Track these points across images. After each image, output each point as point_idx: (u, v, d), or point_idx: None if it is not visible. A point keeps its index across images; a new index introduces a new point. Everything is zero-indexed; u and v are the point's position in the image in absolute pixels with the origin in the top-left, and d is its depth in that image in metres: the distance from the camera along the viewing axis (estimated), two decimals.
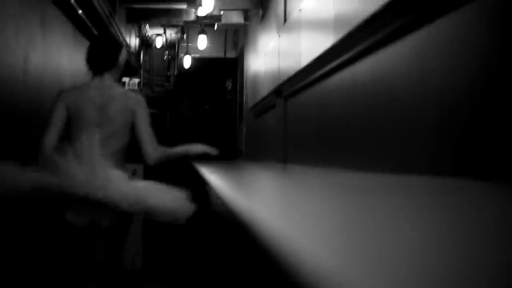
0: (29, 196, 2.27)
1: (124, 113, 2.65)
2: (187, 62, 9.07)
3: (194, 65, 9.41)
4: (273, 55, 4.84)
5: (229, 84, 9.34)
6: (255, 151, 6.48)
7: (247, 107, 7.19)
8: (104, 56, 2.74)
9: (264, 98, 5.32)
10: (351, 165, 2.82)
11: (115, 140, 2.63)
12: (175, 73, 10.02)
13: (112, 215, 2.46)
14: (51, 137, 2.58)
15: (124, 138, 2.70)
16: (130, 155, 2.82)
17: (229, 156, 8.64)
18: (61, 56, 4.85)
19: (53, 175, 2.29)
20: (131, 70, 8.20)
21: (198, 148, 2.90)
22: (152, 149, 2.70)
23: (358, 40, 2.64)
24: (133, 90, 8.32)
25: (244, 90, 7.80)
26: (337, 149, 3.07)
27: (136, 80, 9.08)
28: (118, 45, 2.85)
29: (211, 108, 9.66)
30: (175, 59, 10.04)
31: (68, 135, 2.61)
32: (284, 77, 4.16)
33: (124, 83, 8.65)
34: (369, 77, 2.57)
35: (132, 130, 2.71)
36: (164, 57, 10.37)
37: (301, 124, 3.91)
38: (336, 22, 2.79)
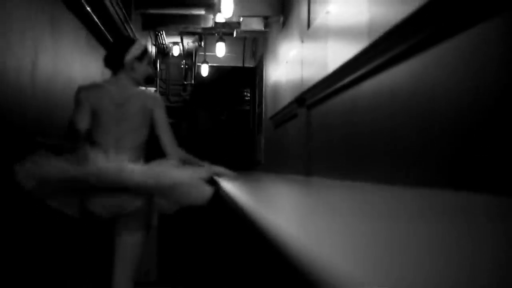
0: (58, 186, 2.39)
1: (142, 111, 2.68)
2: (204, 71, 8.86)
3: (212, 74, 9.21)
4: (295, 62, 4.59)
5: (247, 94, 9.12)
6: (274, 162, 6.23)
7: (266, 117, 6.96)
8: (113, 50, 2.79)
9: (285, 108, 5.07)
10: (382, 179, 2.56)
11: (133, 137, 2.65)
12: (192, 82, 9.82)
13: (137, 199, 2.52)
14: (83, 123, 2.63)
15: (142, 136, 2.71)
16: (154, 153, 2.77)
17: (246, 167, 8.42)
18: (73, 61, 4.63)
19: (80, 165, 2.39)
20: (147, 78, 7.93)
21: (218, 170, 2.83)
22: (171, 149, 2.72)
23: (394, 43, 2.38)
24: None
25: (263, 100, 7.57)
26: (367, 162, 2.81)
27: (153, 89, 8.90)
28: (129, 40, 2.85)
29: (228, 118, 9.45)
30: (192, 68, 9.85)
31: (89, 130, 2.68)
32: (308, 85, 3.91)
33: None
34: (407, 83, 2.31)
35: (152, 129, 2.75)
36: (181, 66, 10.19)
37: (326, 134, 3.65)
38: (371, 22, 2.53)
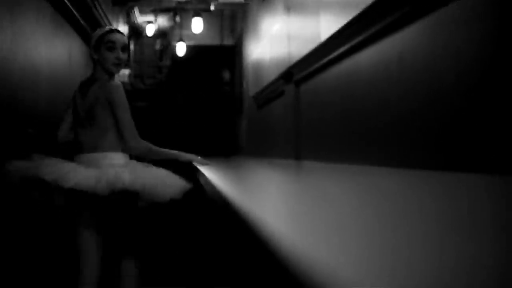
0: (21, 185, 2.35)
1: (104, 102, 2.59)
2: (180, 50, 8.43)
3: (189, 54, 8.79)
4: (280, 35, 4.22)
5: (226, 74, 8.73)
6: (258, 146, 5.87)
7: (248, 97, 6.59)
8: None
9: (269, 85, 4.70)
10: (381, 161, 2.23)
11: (106, 130, 2.60)
12: (168, 63, 9.38)
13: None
14: (61, 132, 2.74)
15: (107, 125, 2.62)
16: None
17: (228, 152, 8.07)
18: (35, 41, 4.21)
19: (44, 167, 2.35)
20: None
21: (188, 157, 2.76)
22: (131, 139, 2.57)
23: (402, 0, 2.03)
24: (123, 82, 7.67)
25: (244, 80, 7.19)
26: (364, 142, 2.47)
27: (126, 72, 8.46)
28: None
29: (207, 100, 9.04)
30: (167, 48, 9.41)
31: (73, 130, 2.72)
32: (296, 58, 3.54)
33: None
34: (421, 46, 1.95)
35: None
36: (155, 46, 9.75)
37: (318, 113, 3.30)
38: None
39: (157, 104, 9.28)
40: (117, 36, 2.70)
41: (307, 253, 0.46)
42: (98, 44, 2.70)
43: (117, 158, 2.59)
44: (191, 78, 9.12)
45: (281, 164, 3.30)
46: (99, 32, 2.74)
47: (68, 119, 2.76)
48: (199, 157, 2.78)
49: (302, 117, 3.69)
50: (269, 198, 1.12)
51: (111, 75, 2.69)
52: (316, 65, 3.20)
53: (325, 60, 3.00)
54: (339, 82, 2.86)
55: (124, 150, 2.58)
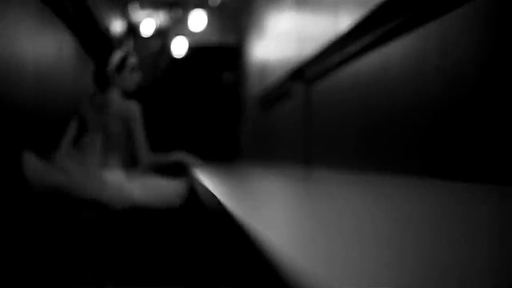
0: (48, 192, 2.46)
1: (119, 120, 2.80)
2: (180, 47, 8.06)
3: (188, 53, 8.42)
4: (289, 29, 3.86)
5: (228, 74, 8.37)
6: (262, 150, 5.50)
7: (251, 99, 6.22)
8: (96, 67, 3.07)
9: (276, 85, 4.33)
10: (409, 171, 1.94)
11: (114, 144, 2.79)
12: (166, 63, 9.00)
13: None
14: (63, 150, 2.86)
15: (122, 143, 2.84)
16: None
17: (228, 157, 7.74)
18: (22, 35, 3.84)
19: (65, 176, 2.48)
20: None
21: (179, 156, 2.92)
22: (145, 156, 2.81)
23: None
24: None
25: (247, 81, 6.83)
26: (390, 148, 2.11)
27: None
28: (108, 51, 3.03)
29: (206, 99, 8.67)
30: (165, 47, 9.04)
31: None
32: (309, 54, 3.17)
33: None
34: (469, 38, 1.59)
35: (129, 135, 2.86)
36: (153, 45, 9.38)
37: (332, 114, 2.94)
38: None
39: (153, 106, 8.94)
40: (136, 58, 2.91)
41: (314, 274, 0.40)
42: (122, 66, 2.89)
43: (121, 173, 2.75)
44: (190, 78, 8.77)
45: (289, 171, 2.94)
46: (121, 54, 2.91)
47: (71, 133, 2.91)
48: (189, 157, 2.91)
49: (313, 119, 3.32)
50: (274, 214, 0.93)
51: (126, 94, 2.89)
52: (333, 61, 2.83)
53: (344, 54, 2.63)
54: (360, 79, 2.49)
55: (133, 164, 2.77)
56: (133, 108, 2.89)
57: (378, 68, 2.27)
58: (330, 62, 2.88)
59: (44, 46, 4.29)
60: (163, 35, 9.02)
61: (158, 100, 8.65)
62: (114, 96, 2.91)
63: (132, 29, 8.45)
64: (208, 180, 1.75)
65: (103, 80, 2.92)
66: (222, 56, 8.32)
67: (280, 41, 4.25)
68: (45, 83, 4.17)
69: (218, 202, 1.02)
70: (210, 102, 8.55)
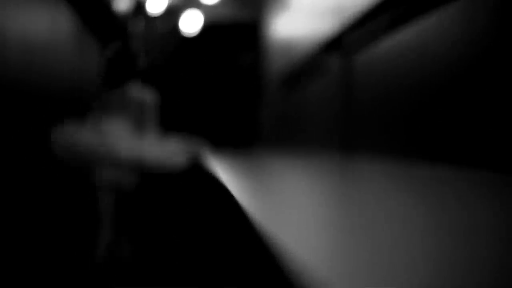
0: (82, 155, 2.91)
1: (138, 105, 3.17)
2: (193, 23, 7.46)
3: (201, 31, 7.83)
4: None
5: (245, 55, 7.78)
6: (285, 135, 4.91)
7: (272, 80, 5.63)
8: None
9: (305, 61, 3.72)
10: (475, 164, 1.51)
11: (132, 125, 3.16)
12: (177, 42, 8.40)
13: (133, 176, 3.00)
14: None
15: (139, 119, 3.18)
16: None
17: (245, 143, 7.22)
18: (3, 3, 3.29)
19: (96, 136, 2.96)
20: (119, 35, 6.82)
21: (192, 145, 3.19)
22: (154, 133, 3.21)
23: None
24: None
25: (267, 61, 6.25)
26: (455, 134, 1.60)
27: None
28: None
29: (221, 81, 8.11)
30: (176, 27, 8.45)
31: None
32: (353, 14, 2.55)
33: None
34: None
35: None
36: (163, 22, 8.82)
37: (379, 93, 2.33)
38: None
39: (164, 89, 8.39)
40: None
41: None
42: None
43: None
44: (204, 58, 8.19)
45: (320, 160, 2.37)
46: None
47: (97, 115, 3.19)
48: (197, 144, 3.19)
49: (352, 97, 2.71)
50: (304, 222, 0.66)
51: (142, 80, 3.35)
52: (379, 26, 2.21)
53: (392, 18, 2.01)
54: (414, 49, 1.88)
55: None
56: (149, 97, 3.33)
57: (437, 35, 1.68)
58: (375, 27, 2.27)
59: (33, 18, 3.72)
60: (173, 14, 8.44)
61: (170, 83, 8.11)
62: (133, 89, 3.31)
63: (140, 8, 7.89)
64: (226, 177, 1.48)
65: (126, 74, 3.29)
66: (238, 34, 7.71)
67: (310, 11, 3.64)
68: (33, 54, 3.62)
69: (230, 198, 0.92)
70: (226, 85, 7.97)
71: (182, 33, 8.10)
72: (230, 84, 7.96)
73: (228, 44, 7.97)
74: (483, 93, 1.53)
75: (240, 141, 7.37)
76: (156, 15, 8.21)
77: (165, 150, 3.01)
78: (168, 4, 7.89)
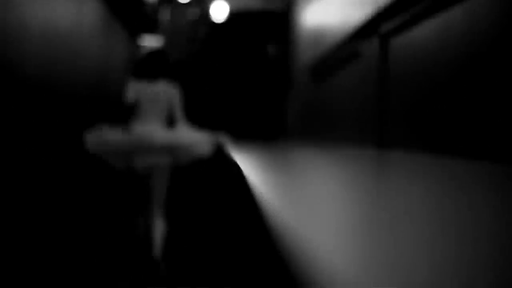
0: (114, 149, 3.37)
1: (166, 98, 3.67)
2: (221, 13, 7.28)
3: (229, 21, 7.65)
4: None
5: (273, 44, 7.59)
6: (314, 128, 4.71)
7: (301, 70, 5.42)
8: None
9: (336, 49, 3.51)
10: None
11: (163, 113, 3.70)
12: (204, 33, 8.24)
13: (164, 158, 3.48)
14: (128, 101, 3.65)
15: (167, 112, 3.75)
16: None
17: (273, 135, 7.02)
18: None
19: (131, 132, 3.43)
20: (148, 24, 6.62)
21: (218, 137, 3.61)
22: (182, 124, 3.66)
23: None
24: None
25: (296, 51, 6.04)
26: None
27: (156, 43, 7.44)
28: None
29: (248, 72, 7.92)
30: (204, 16, 8.28)
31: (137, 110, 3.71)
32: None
33: (141, 46, 7.14)
34: None
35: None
36: (190, 15, 8.67)
37: (423, 80, 2.11)
38: None
39: (191, 80, 8.28)
40: None
41: None
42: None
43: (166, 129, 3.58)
44: (231, 49, 8.00)
45: (353, 155, 2.18)
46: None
47: (133, 111, 3.67)
48: (221, 137, 3.56)
49: (393, 88, 2.50)
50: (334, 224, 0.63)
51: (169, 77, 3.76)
52: (421, 7, 2.00)
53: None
54: (467, 28, 1.67)
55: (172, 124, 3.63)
56: (175, 91, 3.77)
57: (475, 18, 1.46)
58: (416, 10, 2.05)
59: (58, 9, 3.57)
60: (202, 2, 8.28)
61: (197, 74, 7.95)
62: (161, 81, 3.70)
63: None
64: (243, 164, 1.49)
65: (158, 70, 3.73)
66: (267, 24, 7.51)
67: (339, 0, 3.43)
68: (57, 50, 3.48)
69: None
70: (253, 75, 7.78)
71: (210, 21, 7.94)
72: (258, 74, 7.77)
73: (257, 33, 7.78)
74: None
75: (268, 133, 7.19)
76: (184, 2, 8.05)
77: (193, 139, 3.43)
78: None
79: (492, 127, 1.58)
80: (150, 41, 7.09)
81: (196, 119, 3.84)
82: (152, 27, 7.29)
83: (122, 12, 5.53)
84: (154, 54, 3.87)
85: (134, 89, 3.76)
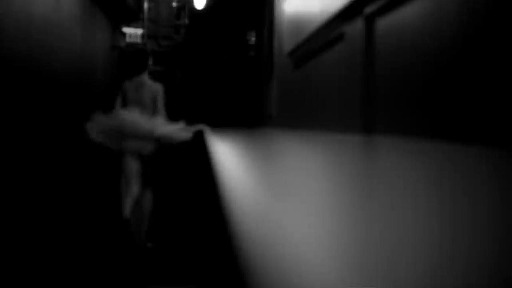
0: (109, 133, 3.98)
1: (150, 95, 4.25)
2: (200, 3, 7.20)
3: (209, 10, 7.55)
4: None
5: (253, 31, 7.49)
6: (295, 115, 4.64)
7: (281, 56, 5.35)
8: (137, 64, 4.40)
9: (317, 31, 3.44)
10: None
11: (147, 109, 4.21)
12: (186, 22, 8.13)
13: (150, 145, 4.08)
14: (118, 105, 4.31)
15: (151, 108, 4.26)
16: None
17: (253, 122, 6.96)
18: None
19: (119, 121, 4.03)
20: (128, 15, 6.49)
21: (195, 127, 4.23)
22: (163, 116, 4.24)
23: None
24: (135, 43, 7.52)
25: (276, 36, 5.96)
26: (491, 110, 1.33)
27: (139, 32, 7.27)
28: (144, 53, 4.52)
29: (229, 60, 7.83)
30: (185, 5, 8.17)
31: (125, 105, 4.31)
32: None
33: (125, 34, 7.02)
34: None
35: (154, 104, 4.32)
36: (172, 3, 8.55)
37: (411, 62, 2.06)
38: None
39: (173, 69, 8.17)
40: None
41: None
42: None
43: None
44: (212, 37, 7.90)
45: (339, 141, 2.14)
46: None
47: (119, 105, 4.23)
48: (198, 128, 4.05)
49: (379, 69, 2.45)
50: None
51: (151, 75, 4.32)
52: None
53: None
54: (447, 13, 1.61)
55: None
56: (158, 88, 4.26)
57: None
58: None
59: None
60: None
61: (179, 62, 7.86)
62: (146, 78, 4.22)
63: None
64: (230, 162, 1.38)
65: (140, 67, 4.24)
66: (246, 10, 7.43)
67: None
68: (34, 39, 3.39)
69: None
70: (233, 62, 7.70)
71: (191, 10, 7.84)
72: (239, 61, 7.69)
73: (236, 18, 7.69)
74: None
75: (250, 120, 7.13)
76: None
77: (174, 127, 3.99)
78: None
79: (484, 110, 1.53)
80: (133, 30, 6.99)
81: (178, 108, 4.01)
82: (134, 16, 7.17)
83: (102, 2, 5.47)
84: (137, 52, 4.38)
85: (122, 90, 4.28)
